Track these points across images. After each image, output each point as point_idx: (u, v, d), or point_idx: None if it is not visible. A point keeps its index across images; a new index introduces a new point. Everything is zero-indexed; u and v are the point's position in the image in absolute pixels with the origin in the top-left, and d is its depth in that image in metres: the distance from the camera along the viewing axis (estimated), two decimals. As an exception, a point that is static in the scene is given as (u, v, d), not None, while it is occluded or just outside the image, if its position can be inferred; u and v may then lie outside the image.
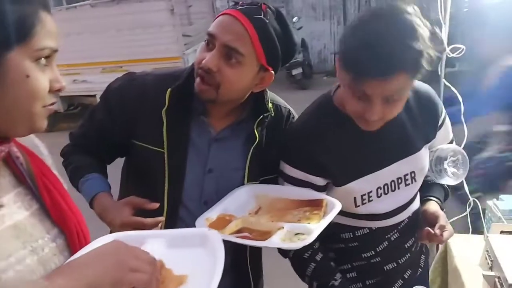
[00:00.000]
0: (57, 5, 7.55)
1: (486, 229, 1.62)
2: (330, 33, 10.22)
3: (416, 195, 1.27)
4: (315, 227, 0.97)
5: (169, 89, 1.09)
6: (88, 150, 1.20)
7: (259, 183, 1.18)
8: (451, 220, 1.39)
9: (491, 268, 1.34)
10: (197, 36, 7.00)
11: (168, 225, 1.11)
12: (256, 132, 1.13)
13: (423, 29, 0.95)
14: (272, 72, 1.10)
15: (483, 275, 1.32)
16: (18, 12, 0.61)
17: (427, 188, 1.30)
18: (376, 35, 0.92)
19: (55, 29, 0.66)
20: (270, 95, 1.20)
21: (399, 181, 1.19)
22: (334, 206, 1.05)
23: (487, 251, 1.40)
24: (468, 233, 1.78)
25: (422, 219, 1.26)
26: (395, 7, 0.98)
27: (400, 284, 1.30)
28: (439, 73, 2.75)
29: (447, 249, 1.62)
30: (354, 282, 1.28)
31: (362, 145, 1.13)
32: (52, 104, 0.68)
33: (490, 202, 1.71)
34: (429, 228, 1.15)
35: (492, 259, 1.34)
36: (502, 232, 1.51)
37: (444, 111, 1.25)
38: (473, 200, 1.84)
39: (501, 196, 1.73)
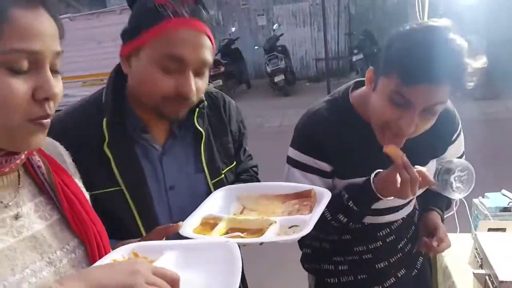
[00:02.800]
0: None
1: (473, 228, 1.63)
2: (311, 39, 10.34)
3: (413, 199, 1.30)
4: (309, 217, 0.93)
5: (105, 120, 0.98)
6: None
7: (224, 176, 1.12)
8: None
9: (481, 266, 1.34)
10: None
11: None
12: (198, 127, 1.08)
13: (466, 48, 0.96)
14: None
15: (474, 273, 1.33)
16: None
17: (432, 198, 1.32)
18: (429, 44, 0.93)
19: (35, 29, 0.58)
20: None
21: None
22: (323, 195, 1.01)
23: (476, 249, 1.41)
24: (456, 232, 1.79)
25: (423, 229, 1.30)
26: (441, 23, 0.98)
27: (393, 281, 1.31)
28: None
29: (437, 249, 1.63)
30: (347, 274, 1.30)
31: (370, 148, 1.13)
32: (45, 117, 0.61)
33: (476, 200, 1.73)
34: (426, 239, 1.22)
35: (482, 257, 1.35)
36: (489, 230, 1.53)
37: (460, 126, 1.24)
38: (460, 199, 1.86)
39: (486, 194, 1.76)
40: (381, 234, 1.26)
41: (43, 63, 0.60)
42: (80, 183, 0.82)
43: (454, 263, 1.49)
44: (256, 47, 9.57)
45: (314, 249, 1.37)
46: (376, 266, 1.29)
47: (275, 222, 0.94)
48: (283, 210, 1.02)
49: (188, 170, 1.08)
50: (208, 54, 0.95)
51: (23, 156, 0.67)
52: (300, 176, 1.20)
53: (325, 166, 1.18)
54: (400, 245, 1.31)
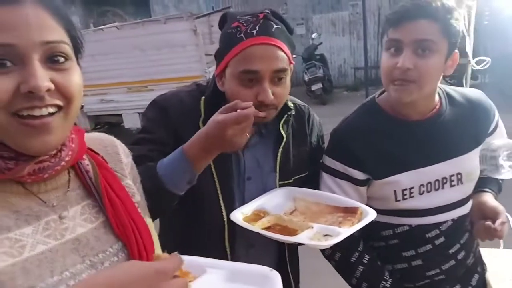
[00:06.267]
0: (85, 28, 7.84)
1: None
2: (350, 48, 10.23)
3: (465, 201, 1.25)
4: (344, 230, 0.99)
5: (203, 98, 1.14)
6: None
7: (292, 181, 1.21)
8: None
9: (523, 283, 1.30)
10: (218, 55, 7.15)
11: (229, 235, 1.14)
12: (282, 131, 1.19)
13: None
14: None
15: (515, 290, 1.28)
16: None
17: (482, 181, 1.29)
18: None
19: (8, 23, 0.56)
20: (289, 96, 1.24)
21: (444, 181, 1.20)
22: (368, 214, 1.07)
23: (519, 265, 1.36)
24: (499, 247, 1.73)
25: (479, 212, 1.24)
26: None
27: None
28: (464, 85, 2.73)
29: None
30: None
31: (406, 143, 1.18)
32: (31, 108, 0.58)
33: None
34: (490, 222, 1.14)
35: (524, 273, 1.30)
36: (533, 246, 1.46)
37: (497, 115, 1.29)
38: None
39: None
40: (430, 235, 1.22)
41: (27, 57, 0.57)
42: (131, 184, 0.81)
43: (496, 279, 1.44)
44: (294, 56, 9.52)
45: None
46: (427, 273, 1.24)
47: (312, 227, 1.02)
48: (326, 219, 1.09)
49: (264, 167, 1.20)
50: (280, 63, 1.06)
51: (63, 163, 0.66)
52: (331, 182, 1.23)
53: (357, 174, 1.20)
54: (452, 250, 1.24)
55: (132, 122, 7.01)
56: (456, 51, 1.15)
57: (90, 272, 0.66)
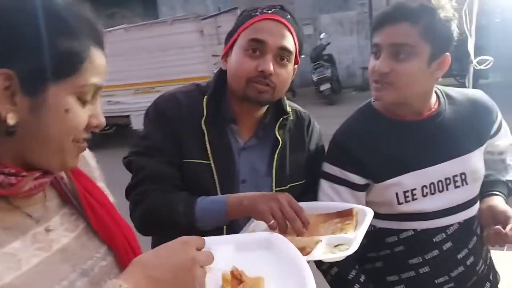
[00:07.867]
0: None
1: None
2: (358, 47, 10.18)
3: (471, 202, 1.21)
4: (354, 236, 0.94)
5: (205, 97, 1.14)
6: (165, 188, 1.10)
7: (288, 188, 1.17)
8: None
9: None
10: (225, 56, 7.17)
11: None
12: (277, 135, 1.18)
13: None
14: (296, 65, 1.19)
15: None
16: (67, 47, 0.59)
17: (490, 184, 1.26)
18: (391, 4, 1.13)
19: (104, 66, 0.65)
20: (288, 102, 1.25)
21: (448, 181, 1.17)
22: (366, 213, 1.02)
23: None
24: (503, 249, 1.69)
25: (489, 216, 1.20)
26: None
27: None
28: (467, 84, 2.69)
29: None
30: None
31: (405, 143, 1.16)
32: (85, 140, 0.66)
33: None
34: (500, 227, 1.11)
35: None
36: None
37: (499, 115, 1.26)
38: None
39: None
40: (436, 240, 1.18)
41: (98, 96, 0.66)
42: (104, 186, 0.82)
43: (508, 281, 1.40)
44: (302, 56, 9.51)
45: (367, 273, 1.27)
46: (436, 281, 1.19)
47: (321, 241, 0.95)
48: (325, 229, 1.03)
49: (259, 170, 1.19)
50: (287, 42, 1.10)
51: (49, 179, 0.67)
52: (328, 188, 1.20)
53: (355, 178, 1.17)
54: (460, 255, 1.20)
55: (140, 123, 6.97)
56: (447, 54, 1.11)
57: (83, 279, 0.66)
